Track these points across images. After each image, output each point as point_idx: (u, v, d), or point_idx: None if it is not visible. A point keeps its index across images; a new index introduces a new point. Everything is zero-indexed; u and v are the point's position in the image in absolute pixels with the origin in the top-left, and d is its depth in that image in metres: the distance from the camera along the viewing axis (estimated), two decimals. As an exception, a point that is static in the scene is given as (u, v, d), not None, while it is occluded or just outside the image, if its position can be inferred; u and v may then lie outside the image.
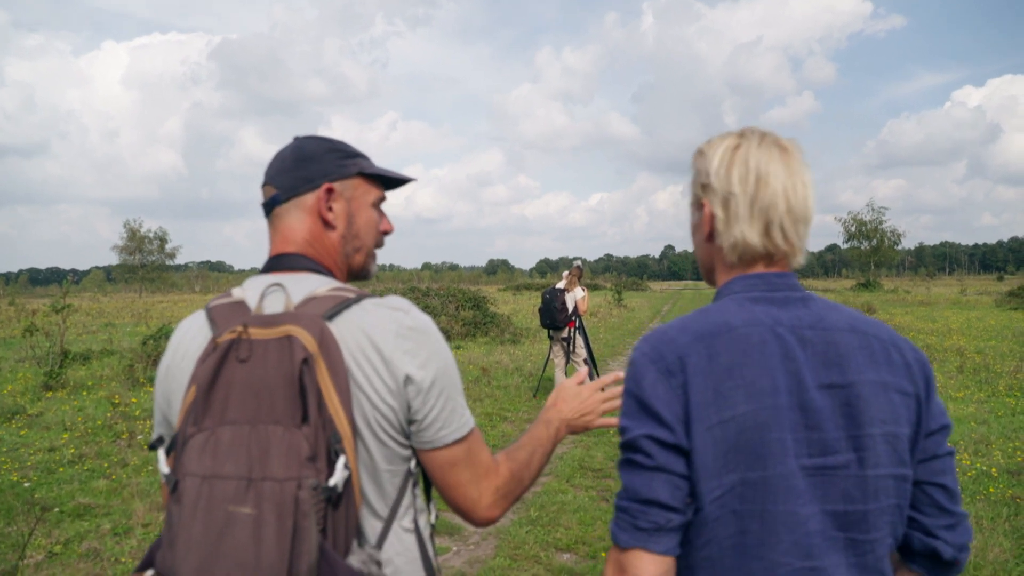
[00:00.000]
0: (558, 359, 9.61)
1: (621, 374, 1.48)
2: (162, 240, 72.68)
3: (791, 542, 1.12)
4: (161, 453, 1.21)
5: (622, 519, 1.15)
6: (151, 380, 10.22)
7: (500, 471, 1.35)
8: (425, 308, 17.55)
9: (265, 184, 1.40)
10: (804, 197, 1.22)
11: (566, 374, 9.62)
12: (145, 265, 71.65)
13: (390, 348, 1.22)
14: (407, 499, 1.29)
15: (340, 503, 1.14)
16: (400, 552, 1.27)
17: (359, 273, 1.45)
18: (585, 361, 9.49)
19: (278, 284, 1.28)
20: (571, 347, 9.46)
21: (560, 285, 9.61)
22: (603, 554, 4.54)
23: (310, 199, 1.36)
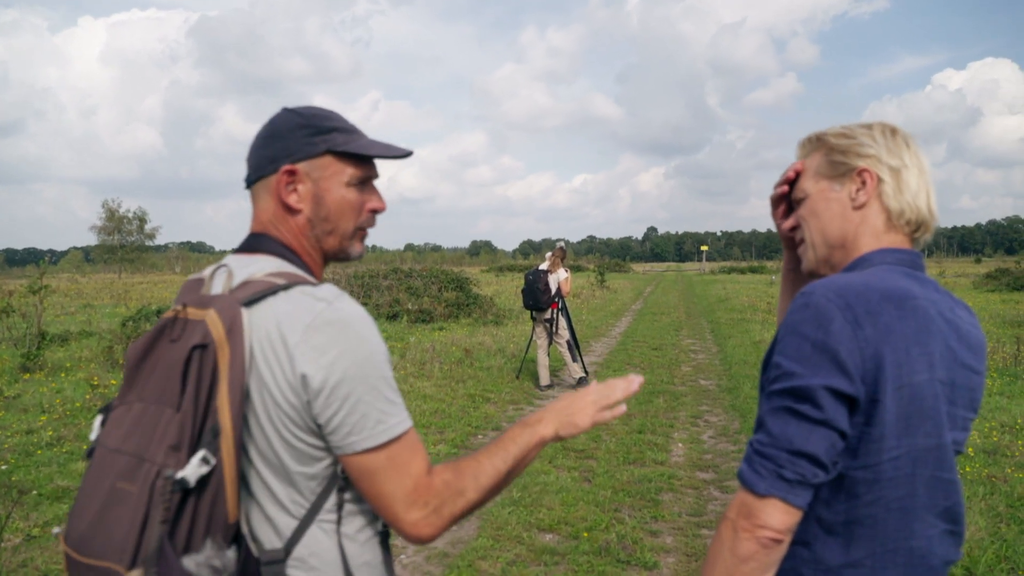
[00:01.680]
0: (541, 340, 9.61)
1: (635, 384, 1.42)
2: (141, 220, 71.97)
3: (945, 508, 1.21)
4: (97, 420, 1.24)
5: (763, 465, 1.15)
6: (130, 362, 10.11)
7: (433, 484, 1.20)
8: (408, 289, 17.51)
9: (246, 160, 1.36)
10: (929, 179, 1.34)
11: (548, 355, 9.62)
12: (124, 246, 70.93)
13: (295, 341, 1.14)
14: (330, 503, 1.22)
15: (195, 497, 1.10)
16: (315, 552, 1.21)
17: (336, 255, 1.37)
18: (568, 343, 9.53)
19: (225, 265, 1.26)
20: (554, 328, 9.46)
21: (543, 266, 9.59)
22: (585, 534, 4.56)
23: (273, 180, 1.30)
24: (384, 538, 1.31)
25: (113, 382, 9.03)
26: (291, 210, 1.30)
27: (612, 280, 37.73)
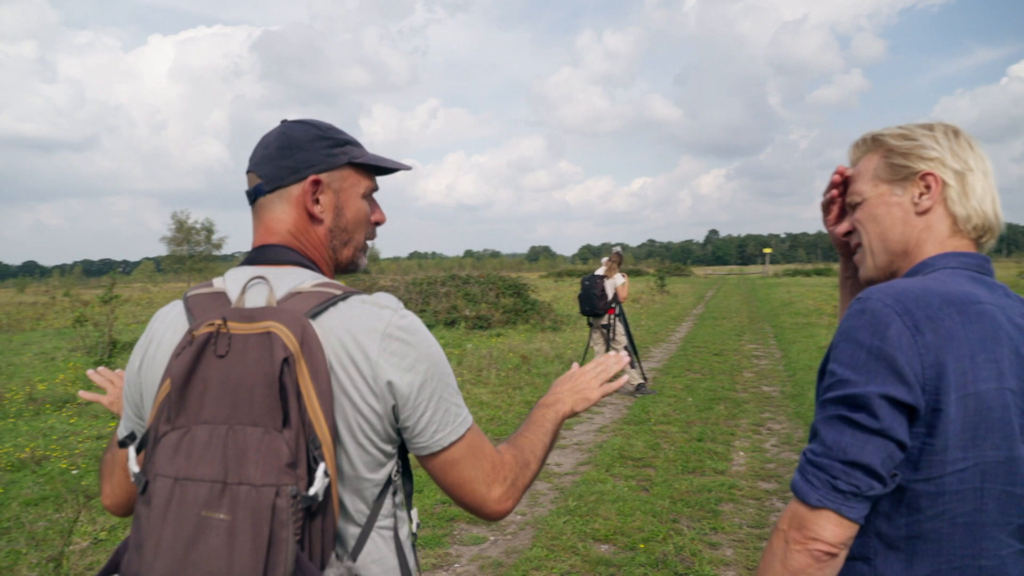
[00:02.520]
0: (598, 346, 9.52)
1: (625, 357, 1.60)
2: (209, 231, 74.01)
3: (1019, 526, 1.15)
4: (131, 451, 1.15)
5: (816, 476, 1.12)
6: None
7: (505, 460, 1.30)
8: (465, 295, 17.59)
9: (249, 171, 1.33)
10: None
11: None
12: (193, 256, 73.04)
13: (376, 350, 1.16)
14: (386, 507, 1.24)
15: (319, 512, 1.08)
16: (376, 560, 1.22)
17: (347, 267, 1.39)
18: (626, 348, 9.40)
19: (261, 277, 1.22)
20: (611, 334, 9.36)
21: (600, 272, 9.50)
22: (642, 546, 4.47)
23: (295, 191, 1.29)
24: (414, 541, 1.34)
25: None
26: (314, 219, 1.31)
27: (672, 284, 37.30)
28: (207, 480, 1.04)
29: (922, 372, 1.09)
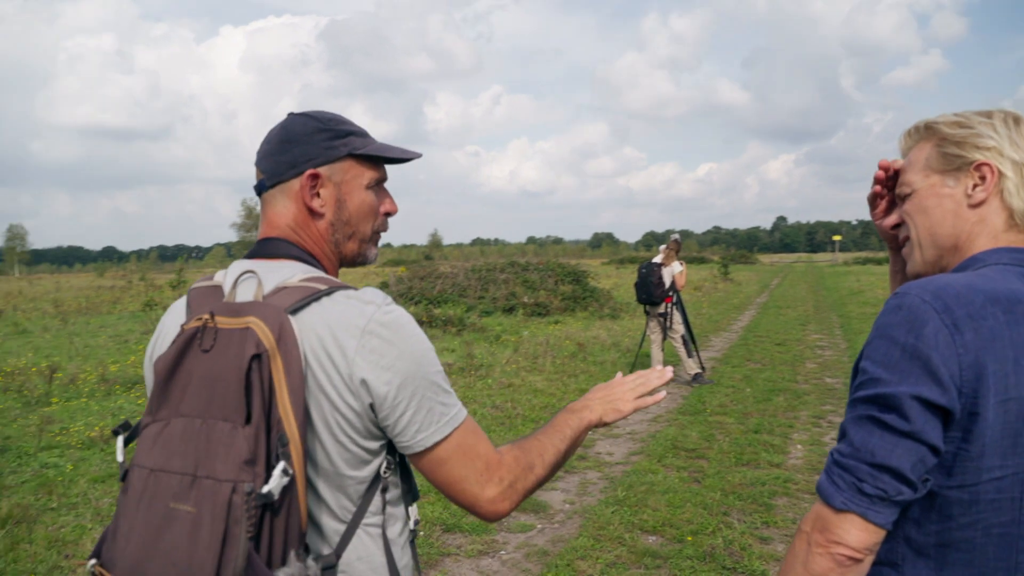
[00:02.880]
0: (654, 335, 9.40)
1: (670, 371, 1.52)
2: (277, 217, 75.77)
3: None
4: (120, 441, 1.19)
5: (842, 477, 1.08)
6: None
7: (504, 461, 1.25)
8: (524, 282, 17.59)
9: (256, 165, 1.33)
10: None
11: (662, 351, 9.41)
12: (261, 241, 74.90)
13: (354, 346, 1.14)
14: (374, 504, 1.22)
15: (279, 511, 1.07)
16: (362, 557, 1.21)
17: (353, 260, 1.37)
18: (683, 338, 9.27)
19: (251, 271, 1.22)
20: (668, 323, 9.23)
21: (657, 259, 9.37)
22: (690, 538, 4.40)
23: (295, 185, 1.28)
24: (413, 539, 1.32)
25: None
26: (314, 214, 1.30)
27: (737, 272, 36.62)
28: (178, 472, 1.06)
29: (959, 374, 1.03)
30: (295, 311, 1.14)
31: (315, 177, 1.28)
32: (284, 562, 1.08)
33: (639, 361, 10.13)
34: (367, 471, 1.20)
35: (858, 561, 1.06)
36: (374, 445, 1.19)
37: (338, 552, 1.19)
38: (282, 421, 1.08)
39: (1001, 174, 1.17)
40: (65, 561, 4.08)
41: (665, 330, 9.29)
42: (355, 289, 1.20)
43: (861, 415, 1.08)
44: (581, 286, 18.07)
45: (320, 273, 1.25)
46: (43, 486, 5.34)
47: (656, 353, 9.34)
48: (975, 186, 1.18)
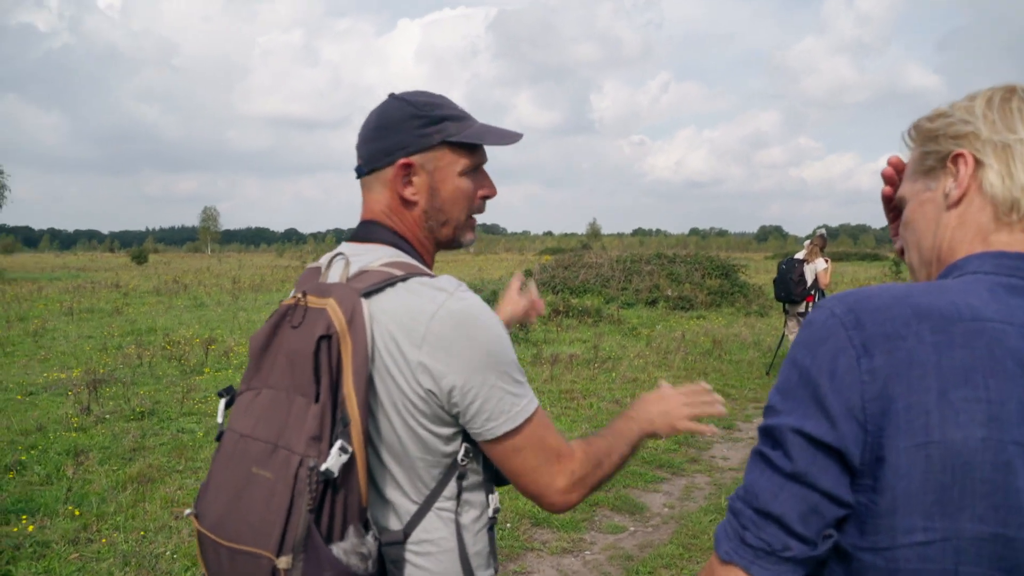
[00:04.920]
0: (792, 335, 8.87)
1: (720, 404, 1.45)
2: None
3: None
4: (222, 404, 1.29)
5: (730, 523, 0.92)
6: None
7: (575, 455, 1.23)
8: (669, 275, 17.15)
9: (356, 149, 1.35)
10: None
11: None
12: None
13: (421, 333, 1.14)
14: (449, 489, 1.23)
15: (340, 487, 1.11)
16: (431, 540, 1.22)
17: (449, 244, 1.37)
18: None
19: (342, 253, 1.27)
20: (808, 323, 8.68)
21: (800, 255, 8.83)
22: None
23: (388, 173, 1.29)
24: (492, 526, 1.31)
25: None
26: (407, 202, 1.30)
27: (912, 271, 33.81)
28: (263, 440, 1.14)
29: (861, 406, 0.82)
30: (369, 294, 1.16)
31: (408, 167, 1.28)
32: (343, 536, 1.12)
33: (776, 363, 9.59)
34: (440, 455, 1.21)
35: None
36: (446, 431, 1.19)
37: (407, 530, 1.21)
38: (345, 402, 1.12)
39: (979, 163, 0.94)
40: (174, 521, 4.39)
41: (805, 331, 8.74)
42: (432, 276, 1.21)
43: (754, 450, 0.91)
44: (730, 280, 17.36)
45: (405, 258, 1.27)
46: (176, 449, 5.77)
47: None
48: (954, 182, 0.96)
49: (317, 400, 1.11)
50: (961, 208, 0.95)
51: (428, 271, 1.25)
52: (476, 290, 12.38)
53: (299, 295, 1.20)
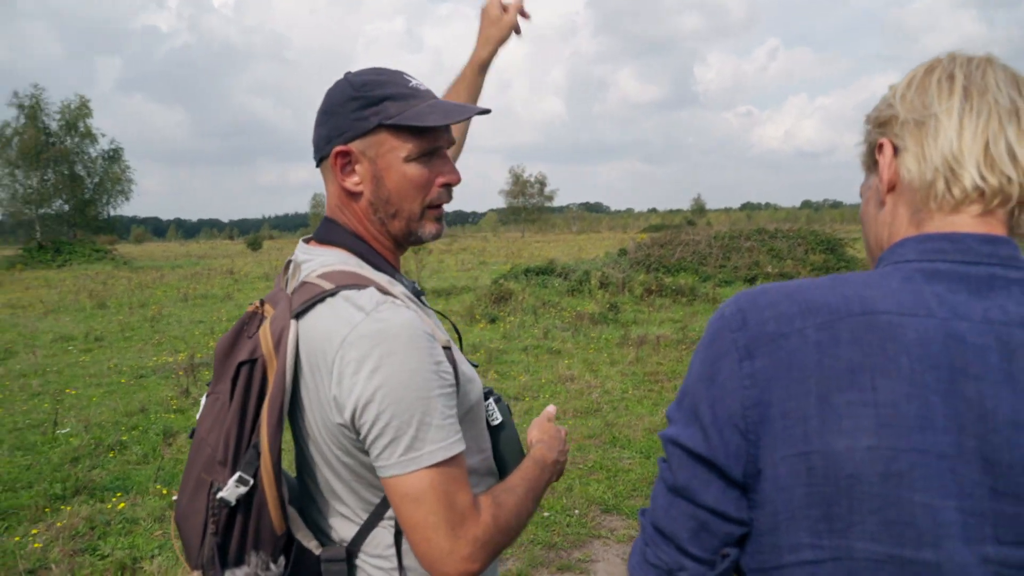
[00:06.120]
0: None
1: (553, 408, 1.41)
2: (541, 183, 78.59)
3: None
4: (203, 401, 1.24)
5: (640, 537, 0.89)
6: (487, 317, 11.11)
7: (482, 519, 1.08)
8: (770, 251, 16.56)
9: None
10: None
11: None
12: (527, 207, 78.11)
13: (332, 360, 1.05)
14: (391, 510, 1.14)
15: (246, 513, 1.10)
16: (379, 554, 1.16)
17: (405, 239, 1.23)
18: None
19: (292, 259, 1.24)
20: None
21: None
22: None
23: (330, 162, 1.19)
24: None
25: (453, 334, 9.98)
26: (352, 194, 1.20)
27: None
28: (211, 446, 1.13)
29: (742, 413, 0.76)
30: (301, 314, 1.10)
31: (345, 154, 1.17)
32: (242, 562, 1.11)
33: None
34: (372, 478, 1.12)
35: None
36: (367, 458, 1.10)
37: (351, 548, 1.17)
38: (260, 428, 1.09)
39: (896, 147, 0.84)
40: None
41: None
42: (359, 290, 1.09)
43: (660, 459, 0.87)
44: (836, 255, 16.59)
45: (348, 264, 1.18)
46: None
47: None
48: (880, 171, 0.87)
49: (226, 423, 1.11)
50: (891, 201, 0.86)
51: (367, 279, 1.14)
52: (567, 271, 12.19)
53: (258, 303, 1.17)
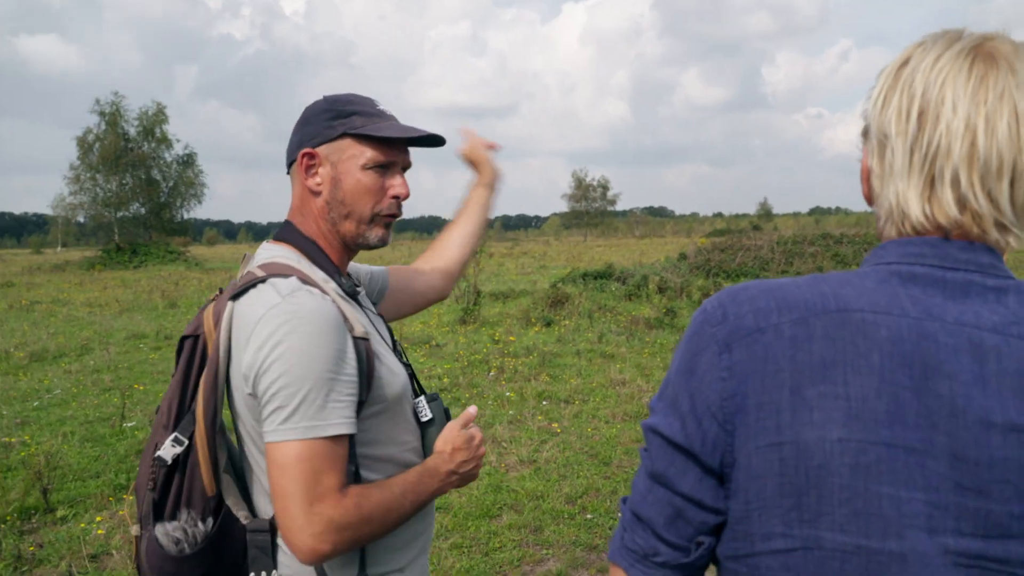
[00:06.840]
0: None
1: (473, 410, 1.42)
2: (604, 187, 78.26)
3: None
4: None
5: (620, 522, 0.93)
6: (542, 320, 11.14)
7: (344, 503, 1.14)
8: (834, 256, 16.19)
9: None
10: (1010, 137, 0.76)
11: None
12: (589, 212, 77.84)
13: (249, 332, 1.19)
14: None
15: (181, 473, 1.24)
16: None
17: (354, 241, 1.36)
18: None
19: (247, 253, 1.39)
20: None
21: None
22: None
23: (298, 164, 1.35)
24: None
25: (511, 338, 10.04)
26: (313, 193, 1.35)
27: None
28: (162, 413, 1.28)
29: (719, 404, 0.79)
30: (237, 296, 1.24)
31: (311, 156, 1.34)
32: (174, 517, 1.25)
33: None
34: None
35: None
36: None
37: (273, 522, 1.25)
38: (198, 399, 1.24)
39: (868, 168, 0.86)
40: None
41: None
42: (285, 278, 1.22)
43: (641, 448, 0.90)
44: (904, 261, 16.13)
45: (287, 259, 1.31)
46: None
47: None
48: (861, 179, 0.89)
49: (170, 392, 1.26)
50: (875, 206, 0.87)
51: (295, 270, 1.26)
52: (625, 275, 12.04)
53: (219, 290, 1.32)
